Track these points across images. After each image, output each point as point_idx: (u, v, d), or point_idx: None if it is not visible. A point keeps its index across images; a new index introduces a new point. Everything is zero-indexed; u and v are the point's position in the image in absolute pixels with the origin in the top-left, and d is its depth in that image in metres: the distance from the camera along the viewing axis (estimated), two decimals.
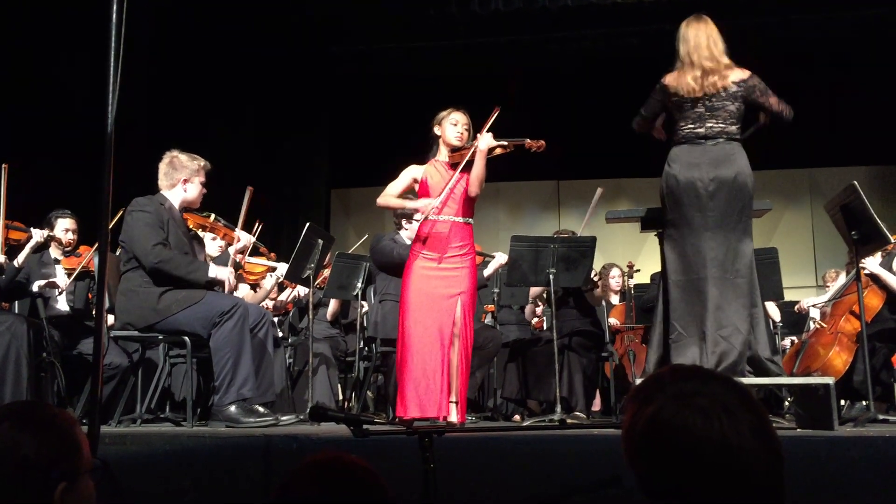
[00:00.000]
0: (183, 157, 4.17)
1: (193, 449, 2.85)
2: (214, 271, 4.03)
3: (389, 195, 4.11)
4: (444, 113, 4.10)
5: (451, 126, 4.06)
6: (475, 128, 4.06)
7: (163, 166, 4.18)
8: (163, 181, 4.17)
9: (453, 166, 4.05)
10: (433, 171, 4.08)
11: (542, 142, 3.93)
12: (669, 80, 3.67)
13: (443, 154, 4.11)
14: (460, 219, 4.01)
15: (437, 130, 4.10)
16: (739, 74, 3.63)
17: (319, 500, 1.21)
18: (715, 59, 3.60)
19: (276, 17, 7.79)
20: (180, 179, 4.15)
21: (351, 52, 8.66)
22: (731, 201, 3.56)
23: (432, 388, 3.84)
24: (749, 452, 1.17)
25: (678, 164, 3.62)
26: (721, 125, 3.60)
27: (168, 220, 4.05)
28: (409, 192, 4.19)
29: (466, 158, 3.97)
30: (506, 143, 3.93)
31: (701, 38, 3.63)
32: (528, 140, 3.93)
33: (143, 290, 3.94)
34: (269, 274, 4.98)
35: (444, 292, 3.91)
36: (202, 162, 4.20)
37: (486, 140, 3.92)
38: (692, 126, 3.62)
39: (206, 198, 4.27)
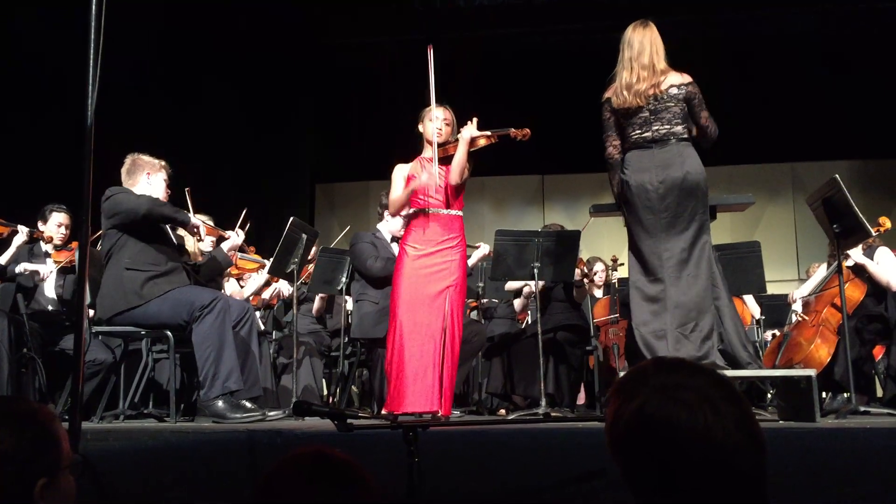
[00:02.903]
0: (144, 157, 4.24)
1: (177, 444, 2.83)
2: (193, 218, 4.13)
3: (396, 198, 4.11)
4: (426, 109, 4.09)
5: (429, 122, 4.05)
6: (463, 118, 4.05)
7: (125, 167, 4.23)
8: (127, 181, 4.21)
9: (440, 161, 4.04)
10: (419, 168, 4.07)
11: (527, 130, 3.95)
12: (608, 93, 3.77)
13: (427, 150, 4.10)
14: (449, 211, 4.01)
15: (420, 127, 4.10)
16: (679, 78, 3.69)
17: (301, 493, 1.20)
18: (652, 67, 3.66)
19: (260, 10, 7.74)
20: (144, 173, 4.19)
21: (336, 45, 8.62)
22: (683, 201, 3.61)
23: (427, 383, 3.83)
24: (733, 445, 1.17)
25: (630, 169, 3.70)
26: (667, 127, 3.65)
27: None
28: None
29: (452, 153, 3.97)
30: (489, 133, 3.94)
31: (644, 42, 3.71)
32: (513, 129, 3.94)
33: (127, 275, 3.94)
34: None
35: (435, 287, 3.91)
36: (163, 162, 4.26)
37: (469, 129, 3.93)
38: (640, 132, 3.69)
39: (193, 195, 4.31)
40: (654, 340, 3.58)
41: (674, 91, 3.66)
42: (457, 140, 4.01)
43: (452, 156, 3.99)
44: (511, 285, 5.75)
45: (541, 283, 5.52)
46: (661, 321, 3.58)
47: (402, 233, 4.22)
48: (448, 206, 4.01)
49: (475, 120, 3.96)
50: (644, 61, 3.67)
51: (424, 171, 4.03)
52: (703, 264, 3.61)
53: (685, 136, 3.68)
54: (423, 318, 3.88)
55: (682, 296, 3.57)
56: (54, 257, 4.80)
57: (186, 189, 4.42)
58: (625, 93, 3.67)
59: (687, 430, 1.17)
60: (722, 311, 3.63)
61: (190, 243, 4.61)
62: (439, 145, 4.04)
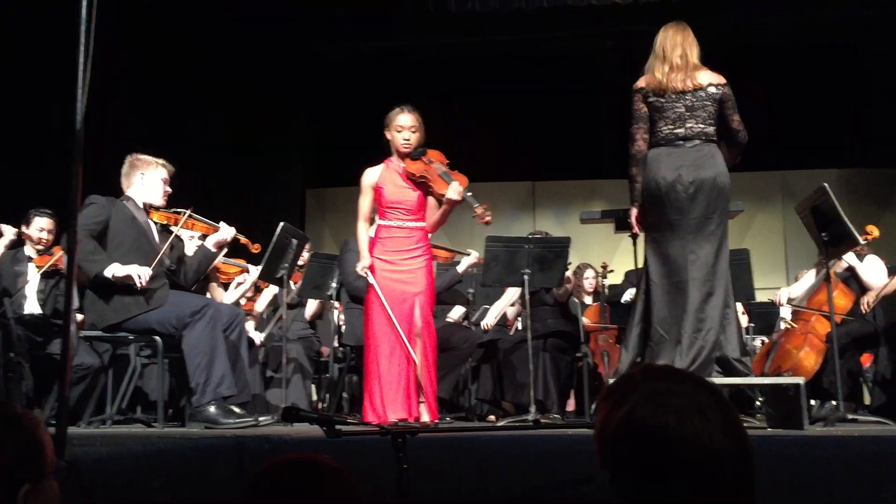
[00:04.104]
0: (142, 156, 4.19)
1: (164, 450, 2.81)
2: (113, 269, 3.80)
3: (360, 227, 4.11)
4: (391, 115, 4.07)
5: (397, 133, 4.03)
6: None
7: (124, 169, 4.20)
8: (124, 182, 4.18)
9: (410, 177, 4.04)
10: (388, 177, 4.06)
11: (489, 218, 3.97)
12: (641, 82, 3.69)
13: (394, 158, 4.09)
14: (416, 223, 4.04)
15: (387, 135, 4.09)
16: (717, 78, 3.65)
17: (286, 499, 1.20)
18: (686, 58, 3.63)
19: (251, 15, 7.72)
20: (138, 173, 4.15)
21: (326, 50, 8.61)
22: (711, 203, 3.56)
23: (401, 391, 3.84)
24: (721, 452, 1.17)
25: (658, 167, 3.61)
26: (700, 126, 3.60)
27: (123, 215, 4.02)
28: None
29: (418, 180, 4.00)
30: (461, 198, 3.93)
31: (678, 38, 3.67)
32: (479, 209, 3.93)
33: (111, 289, 3.90)
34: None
35: (404, 295, 3.94)
36: (161, 160, 4.21)
37: (454, 194, 3.91)
38: (671, 127, 3.62)
39: (183, 197, 4.26)
40: (671, 340, 3.54)
41: (712, 90, 3.61)
42: (430, 161, 4.02)
43: (418, 177, 4.00)
44: (498, 309, 5.76)
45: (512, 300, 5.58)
46: (680, 323, 3.54)
47: None
48: (415, 220, 4.04)
49: (465, 183, 3.95)
50: (678, 52, 3.63)
51: (385, 202, 4.03)
52: (725, 269, 3.60)
53: (715, 137, 3.63)
54: (395, 328, 3.89)
55: (703, 299, 3.53)
56: (36, 262, 4.77)
57: (190, 208, 4.26)
58: (661, 78, 3.61)
59: (674, 437, 1.17)
60: (728, 319, 3.61)
61: (187, 248, 4.52)
62: (407, 156, 4.04)
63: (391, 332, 3.89)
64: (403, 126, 4.02)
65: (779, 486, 2.39)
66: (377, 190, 4.05)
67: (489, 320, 5.74)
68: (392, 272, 3.97)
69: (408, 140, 4.01)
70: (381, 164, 4.11)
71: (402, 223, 4.03)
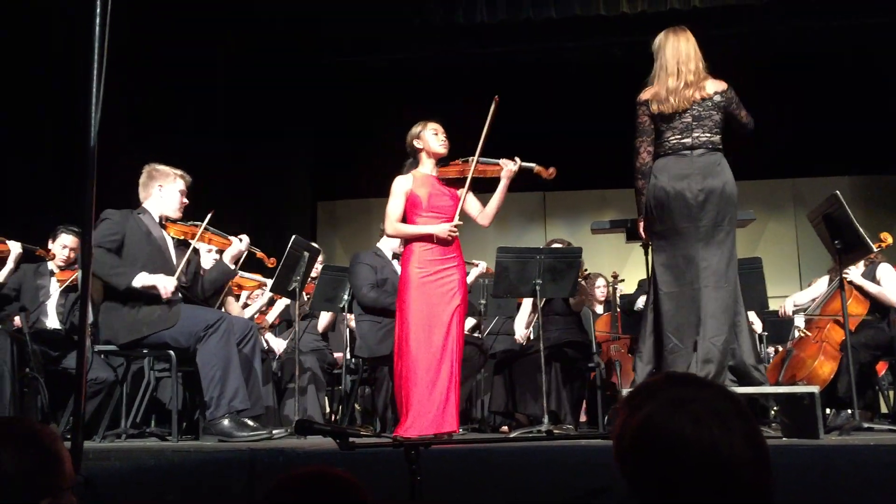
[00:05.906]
0: (160, 167, 4.21)
1: (179, 464, 2.82)
2: (142, 280, 3.88)
3: (399, 224, 4.03)
4: (419, 126, 4.08)
5: (434, 136, 4.05)
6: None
7: (141, 180, 4.21)
8: (142, 193, 4.20)
9: (447, 181, 4.04)
10: (424, 184, 4.05)
11: (552, 169, 4.09)
12: (647, 95, 3.68)
13: (426, 166, 4.09)
14: None
15: (417, 144, 4.09)
16: (719, 85, 3.66)
17: None
18: (698, 73, 3.63)
19: (259, 26, 7.78)
20: (156, 185, 4.17)
21: (336, 62, 8.66)
22: (721, 211, 3.57)
23: (446, 403, 3.81)
24: (739, 460, 1.17)
25: (666, 175, 3.60)
26: (707, 135, 3.61)
27: (139, 230, 4.04)
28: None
29: (472, 177, 4.00)
30: (518, 168, 4.02)
31: (690, 51, 3.66)
32: (537, 168, 4.08)
33: (125, 309, 3.92)
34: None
35: (445, 310, 3.91)
36: (179, 171, 4.22)
37: (512, 165, 4.01)
38: (679, 137, 3.62)
39: (190, 209, 4.28)
40: (686, 348, 3.52)
41: (717, 98, 3.62)
42: (465, 162, 4.03)
43: (461, 175, 4.01)
44: (523, 320, 5.74)
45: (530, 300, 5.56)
46: (695, 330, 3.52)
47: (401, 249, 4.21)
48: None
49: (517, 160, 4.03)
50: (692, 67, 3.63)
51: (421, 206, 4.01)
52: (734, 277, 3.60)
53: (721, 146, 3.64)
54: (436, 341, 3.86)
55: (717, 307, 3.52)
56: (58, 276, 4.81)
57: (210, 211, 4.26)
58: (671, 98, 3.60)
59: (692, 443, 1.17)
60: (740, 326, 3.59)
61: (204, 261, 4.52)
62: (440, 163, 4.05)
63: (433, 344, 3.85)
64: (439, 129, 4.07)
65: (794, 496, 2.37)
66: (411, 197, 4.02)
67: (520, 333, 5.73)
68: (432, 284, 3.93)
69: (444, 141, 4.06)
70: (408, 174, 4.10)
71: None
